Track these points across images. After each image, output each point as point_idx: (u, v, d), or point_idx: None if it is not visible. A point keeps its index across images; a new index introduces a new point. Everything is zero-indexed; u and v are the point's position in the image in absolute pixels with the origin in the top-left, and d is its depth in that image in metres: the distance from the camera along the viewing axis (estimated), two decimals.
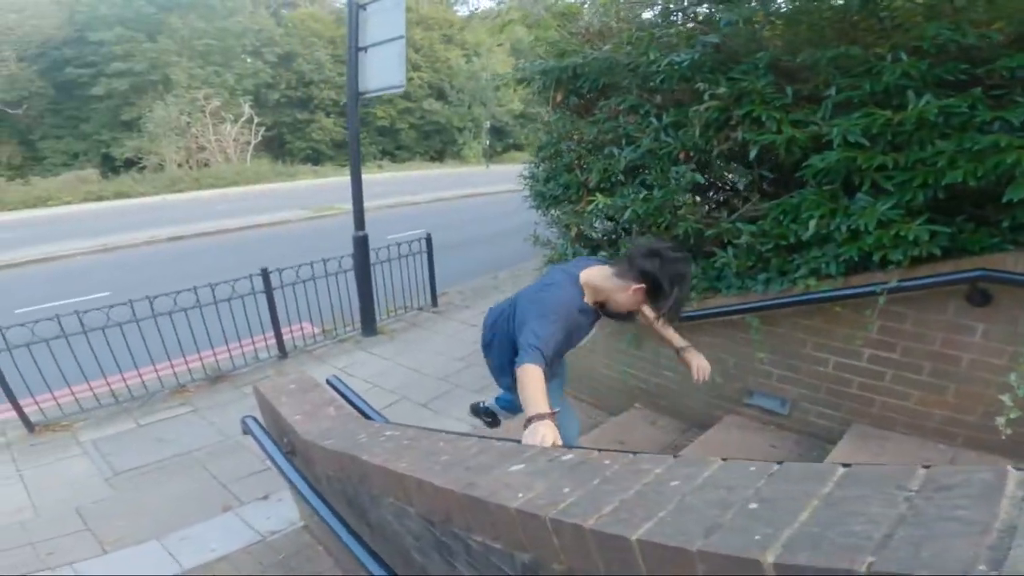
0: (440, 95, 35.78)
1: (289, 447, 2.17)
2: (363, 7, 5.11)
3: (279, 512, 3.20)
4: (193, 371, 4.77)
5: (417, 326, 6.17)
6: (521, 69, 3.77)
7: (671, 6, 3.01)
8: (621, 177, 3.14)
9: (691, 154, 2.83)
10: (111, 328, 4.16)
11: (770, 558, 0.58)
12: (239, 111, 27.92)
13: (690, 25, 2.96)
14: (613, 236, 3.55)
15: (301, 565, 2.76)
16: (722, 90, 2.56)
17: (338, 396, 2.40)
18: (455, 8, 40.29)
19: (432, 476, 1.17)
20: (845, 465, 0.72)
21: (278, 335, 5.25)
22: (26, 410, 4.10)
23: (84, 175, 23.62)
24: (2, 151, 26.18)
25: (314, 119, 31.66)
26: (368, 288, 5.73)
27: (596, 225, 3.52)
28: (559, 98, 3.39)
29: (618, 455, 1.00)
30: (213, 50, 28.50)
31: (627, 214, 2.99)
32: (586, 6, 3.57)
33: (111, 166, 26.58)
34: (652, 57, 2.79)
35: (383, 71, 5.11)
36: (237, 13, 29.61)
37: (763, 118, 2.47)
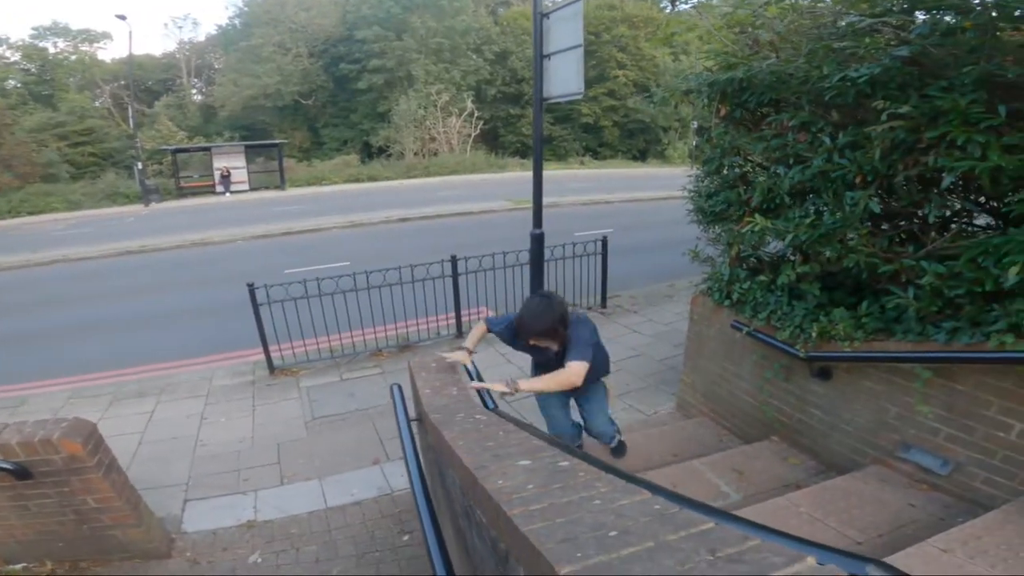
0: (646, 93, 34.82)
1: (417, 415, 2.58)
2: (546, 16, 5.34)
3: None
4: (389, 339, 5.74)
5: None
6: (687, 80, 3.62)
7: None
8: (787, 199, 2.90)
9: (868, 179, 2.48)
10: (343, 294, 5.23)
11: (563, 571, 0.72)
12: (463, 105, 31.04)
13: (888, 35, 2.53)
14: (775, 259, 3.27)
15: (411, 520, 3.23)
16: (905, 109, 2.20)
17: (465, 379, 2.70)
18: (662, 5, 38.19)
19: (464, 453, 1.33)
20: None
21: (458, 316, 5.97)
22: (273, 356, 5.31)
23: (348, 159, 29.19)
24: (296, 136, 33.30)
25: (524, 114, 33.47)
26: (540, 283, 6.11)
27: (757, 247, 3.28)
28: (723, 111, 3.21)
29: (598, 471, 1.10)
30: (443, 48, 31.96)
31: (788, 239, 2.78)
32: (758, 15, 3.24)
33: (368, 152, 32.07)
34: (825, 71, 2.51)
35: (565, 78, 5.30)
36: (462, 12, 32.58)
37: (960, 142, 2.06)
